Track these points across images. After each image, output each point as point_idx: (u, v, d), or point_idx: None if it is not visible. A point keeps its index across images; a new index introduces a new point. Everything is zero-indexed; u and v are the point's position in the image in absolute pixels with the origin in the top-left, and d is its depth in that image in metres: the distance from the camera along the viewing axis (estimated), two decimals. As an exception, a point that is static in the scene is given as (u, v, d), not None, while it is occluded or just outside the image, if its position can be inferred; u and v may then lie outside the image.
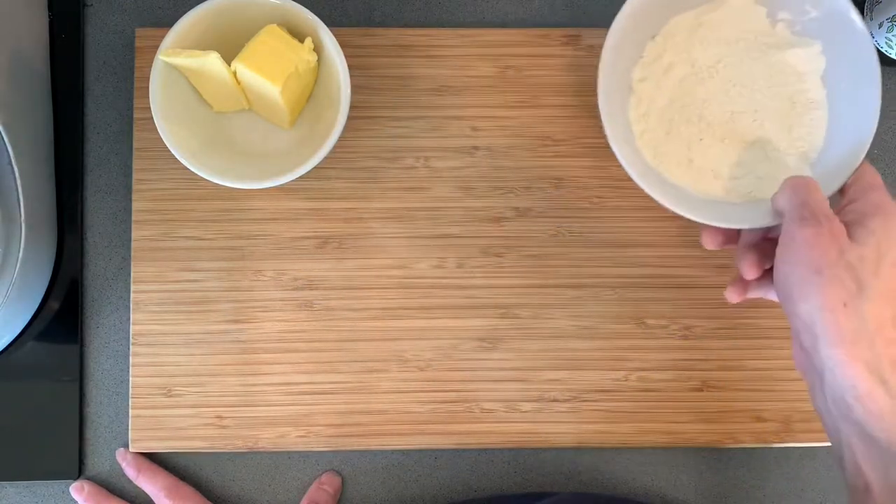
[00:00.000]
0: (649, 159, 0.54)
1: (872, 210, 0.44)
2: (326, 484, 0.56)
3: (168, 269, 0.57)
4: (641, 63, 0.55)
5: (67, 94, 0.58)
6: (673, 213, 0.51)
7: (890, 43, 0.57)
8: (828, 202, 0.44)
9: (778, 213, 0.46)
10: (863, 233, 0.42)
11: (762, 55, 0.54)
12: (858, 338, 0.40)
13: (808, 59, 0.54)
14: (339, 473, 0.57)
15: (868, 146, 0.51)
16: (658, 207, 0.57)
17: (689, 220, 0.57)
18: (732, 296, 0.49)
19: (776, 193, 0.46)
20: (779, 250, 0.44)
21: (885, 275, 0.41)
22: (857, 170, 0.48)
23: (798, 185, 0.45)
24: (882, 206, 0.44)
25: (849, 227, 0.43)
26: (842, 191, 0.48)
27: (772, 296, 0.49)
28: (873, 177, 0.47)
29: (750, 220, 0.52)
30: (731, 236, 0.51)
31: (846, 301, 0.40)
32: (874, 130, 0.51)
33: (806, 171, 0.54)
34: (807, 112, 0.54)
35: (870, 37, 0.51)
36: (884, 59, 0.53)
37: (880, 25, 0.57)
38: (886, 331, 0.40)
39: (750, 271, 0.48)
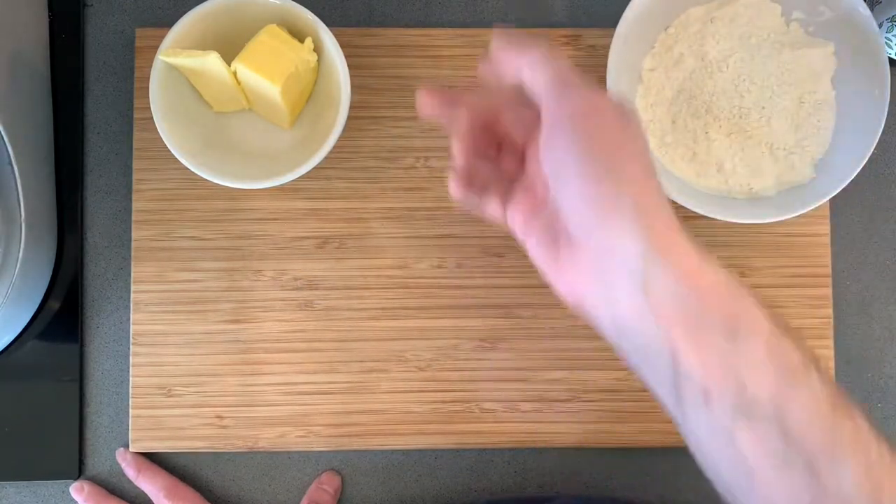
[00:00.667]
0: (654, 149, 0.54)
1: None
2: (326, 483, 0.56)
3: (168, 269, 0.57)
4: (652, 53, 0.55)
5: (67, 94, 0.58)
6: (676, 203, 0.51)
7: (890, 43, 0.57)
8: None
9: (530, 90, 0.35)
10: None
11: (774, 53, 0.54)
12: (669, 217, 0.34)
13: (821, 60, 0.54)
14: (338, 473, 0.57)
15: (873, 148, 0.51)
16: (658, 207, 0.57)
17: (688, 220, 0.57)
18: (454, 189, 0.39)
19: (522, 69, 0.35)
20: (547, 135, 0.34)
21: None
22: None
23: (546, 54, 0.35)
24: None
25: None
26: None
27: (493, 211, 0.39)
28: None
29: (752, 216, 0.52)
30: (448, 101, 0.39)
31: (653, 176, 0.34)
32: (880, 133, 0.51)
33: (810, 172, 0.54)
34: (815, 112, 0.54)
35: (882, 41, 0.51)
36: (883, 60, 0.53)
37: (880, 25, 0.57)
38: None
39: (459, 155, 0.38)
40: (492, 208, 0.39)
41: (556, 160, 0.34)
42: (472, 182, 0.39)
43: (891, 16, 0.56)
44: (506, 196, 0.39)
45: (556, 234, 0.36)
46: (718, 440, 0.34)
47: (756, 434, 0.32)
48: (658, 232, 0.33)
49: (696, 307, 0.33)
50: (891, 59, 0.55)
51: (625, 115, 0.34)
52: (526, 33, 0.36)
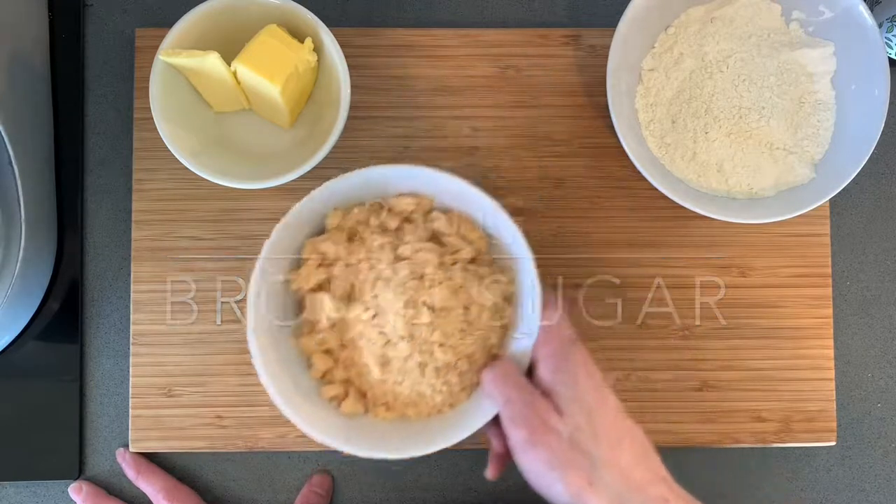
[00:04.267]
0: (654, 149, 0.54)
1: (555, 375, 0.45)
2: (317, 486, 0.56)
3: (168, 270, 0.57)
4: (652, 53, 0.55)
5: (67, 94, 0.58)
6: (676, 204, 0.51)
7: (890, 43, 0.57)
8: (524, 378, 0.45)
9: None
10: (563, 400, 0.44)
11: (774, 53, 0.54)
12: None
13: (821, 61, 0.54)
14: (329, 473, 0.57)
15: (872, 149, 0.51)
16: (658, 207, 0.57)
17: (688, 220, 0.57)
18: (491, 472, 0.48)
19: (483, 385, 0.47)
20: (510, 447, 0.45)
21: (602, 433, 0.43)
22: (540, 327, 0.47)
23: (497, 379, 0.46)
24: (560, 366, 0.45)
25: (549, 395, 0.44)
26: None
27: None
28: (546, 334, 0.46)
29: (752, 216, 0.52)
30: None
31: (589, 480, 0.42)
32: (880, 133, 0.51)
33: (809, 173, 0.54)
34: (815, 113, 0.54)
35: (882, 41, 0.51)
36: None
37: (880, 25, 0.57)
38: (636, 476, 0.43)
39: (497, 442, 0.48)
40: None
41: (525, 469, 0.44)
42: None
43: (891, 16, 0.56)
44: None
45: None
46: None
47: None
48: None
49: None
50: (891, 60, 0.55)
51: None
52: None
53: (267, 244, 0.48)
